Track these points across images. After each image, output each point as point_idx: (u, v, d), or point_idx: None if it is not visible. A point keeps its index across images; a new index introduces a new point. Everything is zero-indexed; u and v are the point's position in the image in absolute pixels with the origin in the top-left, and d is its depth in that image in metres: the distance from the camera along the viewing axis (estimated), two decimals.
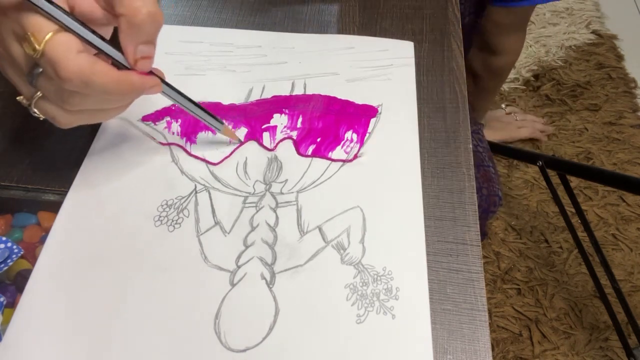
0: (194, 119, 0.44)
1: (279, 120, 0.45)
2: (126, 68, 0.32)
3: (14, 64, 0.31)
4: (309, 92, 0.47)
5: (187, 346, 0.33)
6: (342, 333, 0.34)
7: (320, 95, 0.46)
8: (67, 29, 0.29)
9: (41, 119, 0.33)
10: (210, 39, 0.51)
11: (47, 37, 0.28)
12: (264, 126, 0.44)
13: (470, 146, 0.44)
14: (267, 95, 0.47)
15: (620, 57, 1.43)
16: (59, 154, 0.43)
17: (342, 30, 0.52)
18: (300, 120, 0.45)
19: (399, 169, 0.42)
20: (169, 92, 0.36)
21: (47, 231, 0.38)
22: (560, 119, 1.29)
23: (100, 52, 0.31)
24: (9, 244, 0.37)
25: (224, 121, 0.40)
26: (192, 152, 0.42)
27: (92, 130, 0.44)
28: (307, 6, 0.55)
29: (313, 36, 0.52)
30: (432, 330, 0.34)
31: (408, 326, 0.34)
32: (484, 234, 1.09)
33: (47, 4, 0.28)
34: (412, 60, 0.49)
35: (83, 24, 0.30)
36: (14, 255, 0.36)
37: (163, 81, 0.35)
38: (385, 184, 0.41)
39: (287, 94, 0.47)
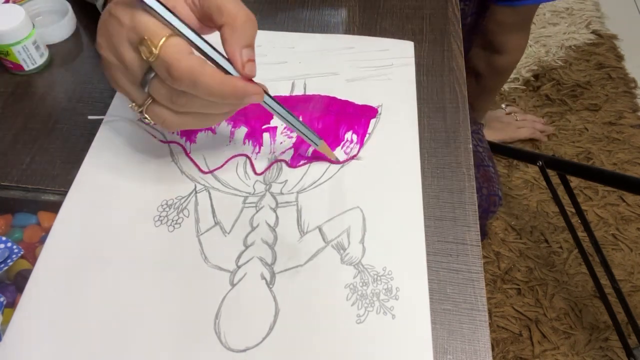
0: None
1: (279, 120, 0.45)
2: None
3: (127, 72, 0.33)
4: (309, 92, 0.47)
5: (187, 346, 0.33)
6: (342, 333, 0.34)
7: (320, 95, 0.46)
8: (178, 33, 0.31)
9: (151, 124, 0.35)
10: (210, 38, 0.51)
11: (162, 40, 0.30)
12: (264, 127, 0.44)
13: (470, 146, 0.44)
14: None
15: (620, 57, 1.42)
16: (59, 154, 0.43)
17: (342, 30, 0.52)
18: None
19: (399, 169, 0.42)
20: (270, 103, 0.36)
21: (47, 231, 0.38)
22: (560, 119, 1.29)
23: (207, 58, 0.32)
24: (9, 244, 0.37)
25: (322, 139, 0.40)
26: (191, 152, 0.42)
27: (92, 130, 0.44)
28: (307, 6, 0.55)
29: (313, 36, 0.52)
30: (432, 330, 0.34)
31: (408, 326, 0.34)
32: (484, 234, 1.09)
33: (161, 7, 0.30)
34: (412, 60, 0.49)
35: (193, 29, 0.31)
36: (14, 255, 0.36)
37: (266, 93, 0.35)
38: (385, 184, 0.41)
39: (287, 93, 0.47)
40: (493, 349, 0.95)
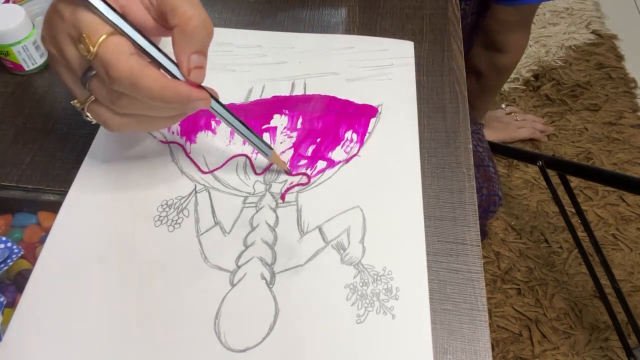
0: (193, 118, 0.44)
1: (279, 121, 0.45)
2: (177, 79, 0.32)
3: (68, 67, 0.32)
4: (309, 92, 0.47)
5: (187, 346, 0.33)
6: (342, 333, 0.34)
7: (320, 95, 0.46)
8: (121, 32, 0.30)
9: (93, 123, 0.34)
10: None
11: (101, 39, 0.29)
12: (264, 127, 0.44)
13: (470, 146, 0.44)
14: (267, 95, 0.47)
15: (620, 57, 1.42)
16: (59, 154, 0.43)
17: (342, 30, 0.52)
18: (300, 121, 0.45)
19: (399, 169, 0.42)
20: (219, 110, 0.35)
21: (47, 231, 0.38)
22: (560, 119, 1.29)
23: (152, 61, 0.31)
24: (9, 244, 0.37)
25: (273, 148, 0.39)
26: (191, 152, 0.42)
27: (92, 130, 0.44)
28: (307, 6, 0.55)
29: (313, 36, 0.52)
30: (432, 330, 0.34)
31: (408, 326, 0.34)
32: (484, 234, 1.09)
33: (102, 4, 0.29)
34: (412, 60, 0.49)
35: (137, 29, 0.30)
36: (14, 255, 0.36)
37: (214, 98, 0.34)
38: (385, 184, 0.41)
39: (287, 93, 0.47)
40: (493, 349, 0.95)
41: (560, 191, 0.99)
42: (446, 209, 0.40)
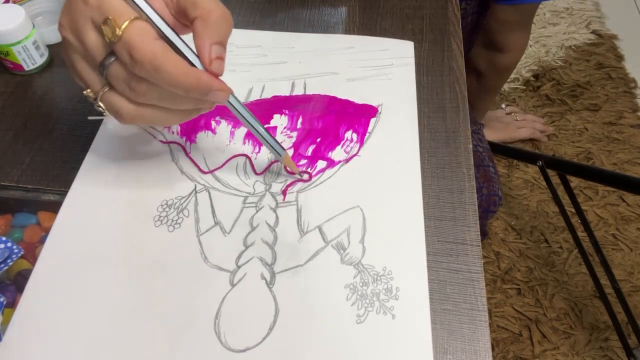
0: (193, 119, 0.44)
1: (279, 121, 0.45)
2: None
3: (86, 55, 0.31)
4: (309, 91, 0.47)
5: (187, 346, 0.33)
6: (342, 333, 0.34)
7: (320, 95, 0.46)
8: (146, 18, 0.30)
9: (105, 114, 0.33)
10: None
11: (127, 22, 0.29)
12: (264, 127, 0.44)
13: (470, 146, 0.44)
14: (267, 94, 0.47)
15: (620, 57, 1.42)
16: (59, 154, 0.43)
17: (342, 30, 0.52)
18: (300, 120, 0.45)
19: (399, 169, 0.42)
20: (235, 105, 0.35)
21: (47, 231, 0.38)
22: (560, 119, 1.29)
23: (173, 47, 0.31)
24: (9, 244, 0.37)
25: (285, 149, 0.39)
26: (191, 152, 0.42)
27: (92, 130, 0.44)
28: (307, 6, 0.55)
29: (313, 36, 0.52)
30: (432, 330, 0.34)
31: (408, 326, 0.34)
32: (484, 234, 1.09)
33: None
34: (412, 60, 0.49)
35: (163, 19, 0.31)
36: (14, 255, 0.36)
37: (233, 95, 0.34)
38: (385, 183, 0.41)
39: (287, 93, 0.47)
40: (493, 349, 0.95)
41: (560, 191, 0.99)
42: (446, 209, 0.40)
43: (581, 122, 1.28)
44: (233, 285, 0.36)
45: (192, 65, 0.32)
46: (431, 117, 0.45)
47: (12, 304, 0.35)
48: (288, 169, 0.41)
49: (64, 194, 0.40)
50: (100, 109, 0.33)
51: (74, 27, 0.31)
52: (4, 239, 0.37)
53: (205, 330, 0.34)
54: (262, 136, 0.37)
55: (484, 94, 1.00)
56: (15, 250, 0.37)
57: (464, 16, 0.82)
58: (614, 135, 1.26)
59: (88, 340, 0.33)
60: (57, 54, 0.50)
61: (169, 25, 0.31)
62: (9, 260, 0.36)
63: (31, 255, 0.38)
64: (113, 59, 0.31)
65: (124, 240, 0.37)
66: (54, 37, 0.51)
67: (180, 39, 0.32)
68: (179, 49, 0.31)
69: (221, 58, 0.32)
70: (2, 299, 0.35)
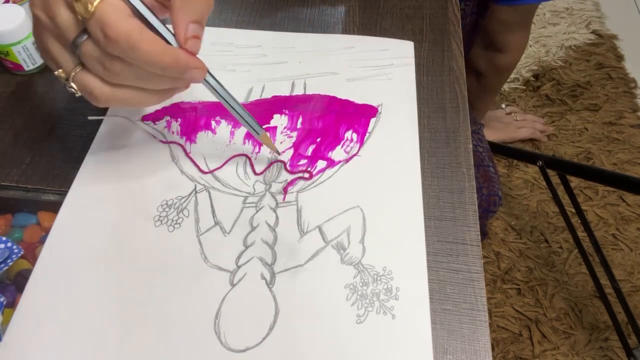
0: (194, 118, 0.44)
1: (279, 121, 0.45)
2: None
3: (58, 34, 0.30)
4: (309, 91, 0.47)
5: (187, 346, 0.33)
6: (342, 333, 0.34)
7: (320, 95, 0.46)
8: None
9: (77, 95, 0.32)
10: (210, 38, 0.51)
11: None
12: (264, 127, 0.44)
13: (470, 146, 0.44)
14: (267, 94, 0.47)
15: (620, 57, 1.42)
16: (59, 154, 0.43)
17: (342, 30, 0.52)
18: (300, 120, 0.45)
19: (399, 169, 0.42)
20: (213, 83, 0.34)
21: (47, 231, 0.38)
22: (560, 119, 1.29)
23: (148, 26, 0.30)
24: (9, 244, 0.37)
25: (264, 128, 0.39)
26: (191, 152, 0.42)
27: (92, 130, 0.44)
28: (307, 6, 0.55)
29: (313, 36, 0.52)
30: (432, 330, 0.34)
31: (408, 326, 0.34)
32: (484, 234, 1.09)
33: None
34: (412, 60, 0.49)
35: None
36: (14, 255, 0.36)
37: (208, 72, 0.34)
38: (385, 183, 0.41)
39: (287, 93, 0.47)
40: (493, 349, 0.95)
41: (560, 191, 0.99)
42: (446, 209, 0.40)
43: (581, 122, 1.28)
44: (233, 285, 0.36)
45: (168, 43, 0.31)
46: (431, 117, 0.45)
47: (12, 304, 0.35)
48: (288, 168, 0.41)
49: (64, 194, 0.40)
50: (73, 90, 0.32)
51: (45, 4, 0.30)
52: (4, 238, 0.37)
53: (205, 330, 0.34)
54: (240, 115, 0.37)
55: (484, 94, 1.00)
56: (15, 250, 0.37)
57: (463, 17, 0.82)
58: (614, 135, 1.26)
59: (88, 341, 0.33)
60: None
61: (143, 2, 0.30)
62: (9, 260, 0.36)
63: (31, 255, 0.38)
64: (85, 37, 0.29)
65: (124, 241, 0.37)
66: None
67: (155, 16, 0.31)
68: (154, 26, 0.30)
69: (198, 37, 0.31)
70: (2, 299, 0.35)
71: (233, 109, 0.36)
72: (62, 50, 0.31)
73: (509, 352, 0.95)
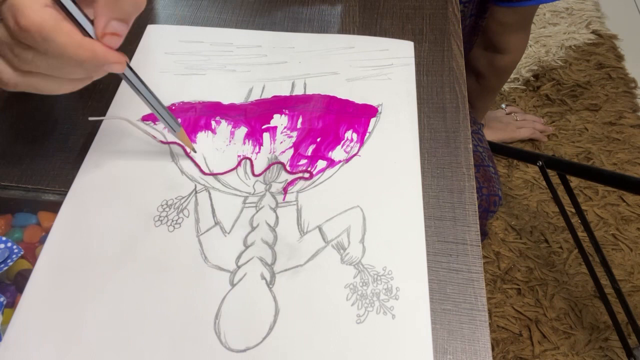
0: (193, 118, 0.44)
1: (279, 120, 0.45)
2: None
3: None
4: (309, 91, 0.47)
5: (187, 346, 0.33)
6: (342, 333, 0.34)
7: (320, 95, 0.46)
8: None
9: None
10: (210, 38, 0.51)
11: None
12: (264, 126, 0.44)
13: (470, 146, 0.44)
14: (267, 94, 0.47)
15: (620, 57, 1.43)
16: (59, 154, 0.43)
17: (342, 30, 0.52)
18: (300, 120, 0.45)
19: (399, 169, 0.42)
20: (131, 77, 0.34)
21: (47, 231, 0.38)
22: (560, 119, 1.29)
23: (68, 16, 0.29)
24: (9, 244, 0.37)
25: (181, 126, 0.39)
26: (191, 152, 0.42)
27: (92, 130, 0.44)
28: (307, 6, 0.55)
29: (313, 36, 0.52)
30: (432, 330, 0.34)
31: (408, 326, 0.34)
32: (484, 234, 1.09)
33: None
34: (412, 60, 0.49)
35: None
36: (14, 255, 0.36)
37: (128, 65, 0.33)
38: (385, 183, 0.41)
39: (287, 93, 0.47)
40: (493, 349, 0.95)
41: (560, 191, 0.99)
42: (446, 209, 0.40)
43: (581, 122, 1.29)
44: (233, 285, 0.36)
45: (87, 34, 0.29)
46: (431, 117, 0.45)
47: (12, 304, 0.35)
48: (288, 168, 0.41)
49: (64, 194, 0.40)
50: None
51: None
52: (3, 238, 0.37)
53: (205, 331, 0.34)
54: (157, 111, 0.36)
55: (484, 94, 1.00)
56: (15, 250, 0.37)
57: (463, 18, 0.82)
58: (614, 135, 1.26)
59: (88, 340, 0.33)
60: None
61: None
62: (9, 261, 0.36)
63: (31, 255, 0.38)
64: None
65: (124, 241, 0.37)
66: None
67: (77, 6, 0.29)
68: (73, 16, 0.29)
69: (118, 34, 0.30)
70: (2, 299, 0.35)
71: (150, 104, 0.36)
72: None
73: (509, 352, 0.95)
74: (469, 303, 0.35)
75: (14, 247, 0.37)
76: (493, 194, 0.78)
